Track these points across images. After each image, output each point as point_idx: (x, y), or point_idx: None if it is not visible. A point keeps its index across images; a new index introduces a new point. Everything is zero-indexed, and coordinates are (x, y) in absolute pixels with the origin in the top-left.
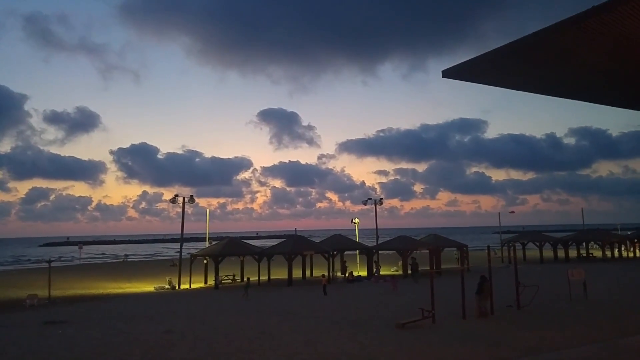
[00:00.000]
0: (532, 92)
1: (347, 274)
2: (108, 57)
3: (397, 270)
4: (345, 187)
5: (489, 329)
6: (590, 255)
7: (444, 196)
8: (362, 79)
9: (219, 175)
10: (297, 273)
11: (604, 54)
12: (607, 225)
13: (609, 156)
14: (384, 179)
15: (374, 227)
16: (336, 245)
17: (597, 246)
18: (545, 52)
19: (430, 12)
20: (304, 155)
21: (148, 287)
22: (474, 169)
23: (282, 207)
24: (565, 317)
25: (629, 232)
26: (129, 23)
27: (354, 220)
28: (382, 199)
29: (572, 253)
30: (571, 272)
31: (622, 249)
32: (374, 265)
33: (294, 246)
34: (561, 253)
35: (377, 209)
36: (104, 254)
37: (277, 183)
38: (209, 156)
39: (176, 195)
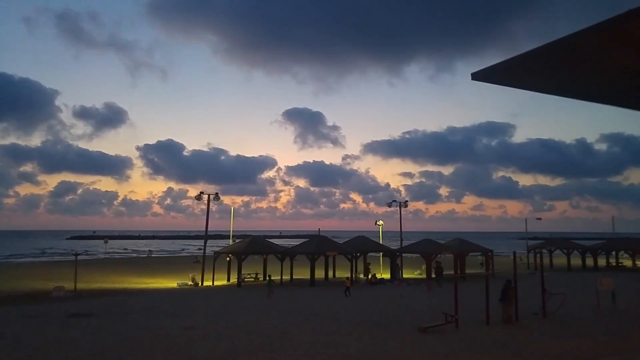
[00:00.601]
0: (563, 96)
1: (369, 276)
2: (136, 54)
3: (421, 274)
4: (369, 188)
5: (512, 336)
6: (620, 264)
7: (469, 200)
8: (387, 79)
9: (244, 173)
10: (319, 274)
11: (637, 59)
12: (639, 234)
13: None
14: (409, 181)
15: (398, 229)
16: (359, 246)
17: (628, 255)
18: (579, 54)
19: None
20: (329, 156)
21: (171, 283)
22: (500, 174)
23: (305, 207)
24: (592, 327)
25: None
26: (157, 21)
27: (377, 222)
28: (407, 201)
29: (602, 262)
30: (600, 282)
31: None
32: (397, 268)
33: (317, 246)
34: (590, 261)
35: (402, 212)
36: (126, 249)
37: (301, 183)
38: (234, 154)
39: (201, 193)
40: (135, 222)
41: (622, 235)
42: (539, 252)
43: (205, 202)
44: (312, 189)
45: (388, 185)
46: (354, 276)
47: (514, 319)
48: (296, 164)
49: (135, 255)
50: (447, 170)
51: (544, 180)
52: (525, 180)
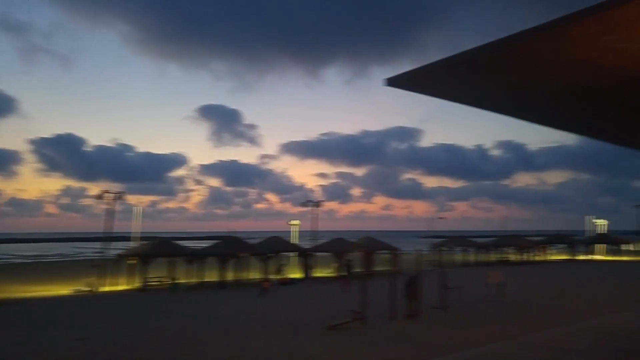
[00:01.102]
0: (465, 104)
1: (281, 276)
2: (32, 37)
3: (332, 273)
4: (285, 188)
5: (416, 329)
6: (506, 259)
7: (379, 200)
8: (306, 81)
9: (152, 171)
10: (231, 276)
11: (526, 75)
12: (524, 231)
13: (527, 168)
14: (324, 182)
15: (313, 229)
16: (273, 247)
17: (513, 250)
18: (478, 67)
19: (375, 20)
20: (245, 155)
21: (65, 290)
22: (408, 176)
23: (218, 207)
24: (485, 316)
25: (541, 238)
26: (58, 2)
27: (291, 222)
28: (321, 201)
29: (493, 257)
30: (489, 275)
31: (534, 253)
32: (307, 268)
33: (228, 248)
34: (484, 257)
35: (316, 212)
36: (13, 254)
37: (215, 182)
38: (143, 151)
39: (103, 191)
40: (23, 223)
41: (511, 233)
42: (440, 250)
43: (108, 201)
44: (226, 188)
45: (304, 185)
46: (268, 277)
47: (417, 313)
48: (210, 162)
49: (22, 260)
50: (360, 171)
51: (447, 182)
52: (430, 182)
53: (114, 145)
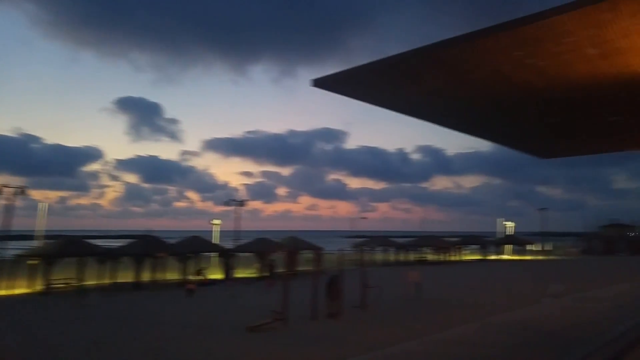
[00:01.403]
0: (388, 109)
1: (200, 277)
2: None
3: (255, 273)
4: (208, 186)
5: (336, 328)
6: (424, 258)
7: (305, 200)
8: (232, 77)
9: (62, 165)
10: (148, 277)
11: (445, 83)
12: (441, 232)
13: (444, 172)
14: (249, 181)
15: (236, 229)
16: (192, 247)
17: (431, 250)
18: (401, 73)
19: (303, 21)
20: (165, 150)
21: None
22: (333, 176)
23: (135, 205)
24: (403, 314)
25: (456, 239)
26: None
27: (212, 221)
28: (245, 200)
29: (412, 257)
30: (407, 274)
31: (450, 253)
32: (228, 268)
33: (145, 247)
34: (404, 257)
35: (240, 211)
36: None
37: (132, 178)
38: (51, 143)
39: (2, 185)
40: None
41: (429, 233)
42: (362, 249)
43: (7, 197)
44: (144, 185)
45: (228, 183)
46: (189, 278)
47: (338, 312)
48: (127, 157)
49: None
50: (285, 171)
51: (370, 183)
52: (354, 183)
53: (16, 135)
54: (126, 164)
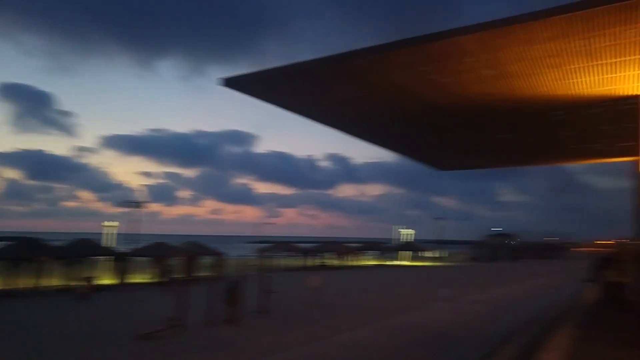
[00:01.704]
0: (297, 114)
1: (89, 282)
2: None
3: (152, 278)
4: (104, 186)
5: (234, 334)
6: (327, 264)
7: (209, 204)
8: (137, 71)
9: None
10: (27, 283)
11: (354, 93)
12: (345, 238)
13: (350, 180)
14: (149, 182)
15: (134, 231)
16: (81, 250)
17: (333, 256)
18: (309, 80)
19: (216, 19)
20: (55, 145)
21: None
22: (241, 180)
23: (16, 204)
24: (303, 319)
25: (358, 245)
26: None
27: (105, 224)
28: (145, 202)
29: (315, 262)
30: (309, 279)
31: (351, 258)
32: (122, 273)
33: (24, 250)
34: (307, 262)
35: (139, 213)
36: None
37: (13, 174)
38: None
39: None
40: None
41: (332, 239)
42: (266, 255)
43: None
44: (27, 182)
45: (126, 184)
46: (80, 284)
47: (237, 318)
48: (8, 150)
49: None
50: (190, 172)
51: (278, 189)
52: (262, 188)
53: None
54: (7, 158)
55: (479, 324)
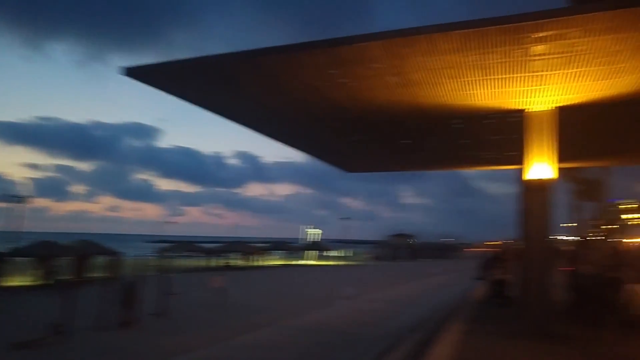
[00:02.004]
0: (204, 109)
1: None
2: None
3: (35, 281)
4: None
5: (128, 339)
6: (230, 265)
7: (106, 200)
8: (25, 52)
9: None
10: None
11: (264, 91)
12: (252, 238)
13: (259, 179)
14: (37, 174)
15: (15, 229)
16: None
17: (239, 256)
18: (217, 75)
19: (122, 3)
20: None
21: None
22: (142, 176)
23: None
24: (204, 321)
25: (265, 245)
26: None
27: None
28: (29, 196)
29: (220, 262)
30: (212, 280)
31: (257, 258)
32: None
33: None
34: (212, 262)
35: (22, 209)
36: None
37: None
38: None
39: None
40: None
41: (238, 239)
42: (166, 255)
43: None
44: None
45: (7, 176)
46: None
47: (132, 321)
48: None
49: None
50: (85, 166)
51: (182, 186)
52: (165, 184)
53: None
54: None
55: (379, 322)
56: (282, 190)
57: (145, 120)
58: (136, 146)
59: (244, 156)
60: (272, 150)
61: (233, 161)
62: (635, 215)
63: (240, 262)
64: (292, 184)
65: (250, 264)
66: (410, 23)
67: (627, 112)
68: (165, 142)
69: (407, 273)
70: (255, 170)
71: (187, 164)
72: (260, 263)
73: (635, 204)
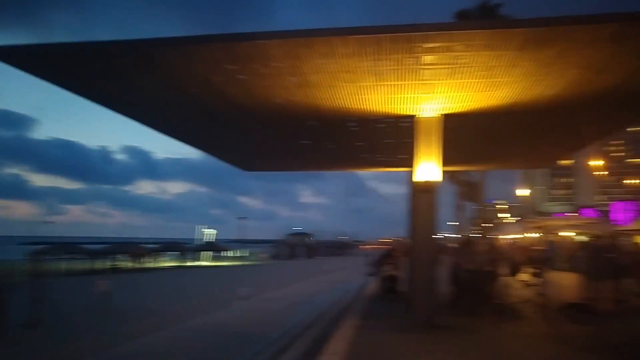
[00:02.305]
0: (87, 99)
1: None
2: None
3: None
4: None
5: None
6: (118, 267)
7: None
8: None
9: None
10: None
11: (157, 83)
12: (142, 239)
13: (150, 176)
14: None
15: None
16: None
17: (128, 258)
18: (101, 63)
19: None
20: None
21: None
22: (11, 170)
23: None
24: (87, 329)
25: (157, 245)
26: None
27: None
28: None
29: (106, 265)
30: (96, 284)
31: (148, 260)
32: None
33: None
34: (96, 265)
35: None
36: None
37: None
38: None
39: None
40: None
41: (126, 240)
42: (40, 258)
43: None
44: None
45: None
46: None
47: None
48: None
49: None
50: None
51: (62, 182)
52: (40, 180)
53: None
54: None
55: (275, 321)
56: (176, 188)
57: (16, 107)
58: (4, 136)
59: (134, 151)
60: (164, 146)
61: (121, 156)
62: (507, 214)
63: (129, 265)
64: (187, 182)
65: (140, 266)
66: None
67: (502, 121)
68: (41, 133)
69: (304, 271)
70: (146, 166)
71: (67, 158)
72: (152, 265)
73: (507, 204)
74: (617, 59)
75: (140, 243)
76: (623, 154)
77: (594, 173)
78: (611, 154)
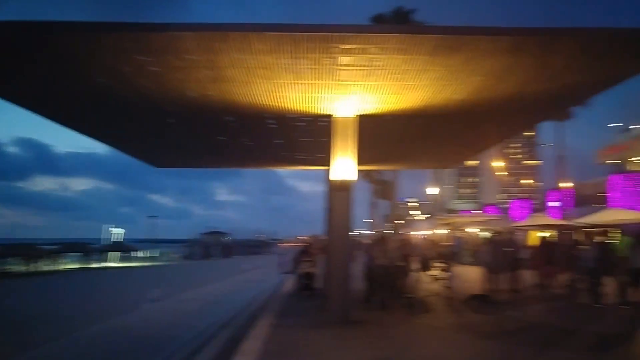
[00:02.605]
0: None
1: None
2: None
3: None
4: None
5: None
6: (8, 271)
7: None
8: None
9: None
10: None
11: (56, 71)
12: (38, 239)
13: (49, 172)
14: None
15: None
16: None
17: (20, 261)
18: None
19: None
20: None
21: None
22: None
23: None
24: None
25: (56, 247)
26: None
27: None
28: None
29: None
30: None
31: (45, 263)
32: None
33: None
34: None
35: None
36: None
37: None
38: None
39: None
40: None
41: (22, 241)
42: None
43: None
44: None
45: None
46: None
47: None
48: None
49: None
50: None
51: None
52: None
53: None
54: None
55: (188, 322)
56: (80, 184)
57: None
58: None
59: (29, 144)
60: (66, 139)
61: (13, 149)
62: (418, 212)
63: (22, 268)
64: (92, 178)
65: (36, 269)
66: (231, 18)
67: (414, 123)
68: None
69: (220, 271)
70: (44, 161)
71: None
72: (50, 268)
73: (417, 202)
74: (514, 69)
75: (37, 244)
76: (520, 156)
77: (496, 173)
78: (510, 156)
